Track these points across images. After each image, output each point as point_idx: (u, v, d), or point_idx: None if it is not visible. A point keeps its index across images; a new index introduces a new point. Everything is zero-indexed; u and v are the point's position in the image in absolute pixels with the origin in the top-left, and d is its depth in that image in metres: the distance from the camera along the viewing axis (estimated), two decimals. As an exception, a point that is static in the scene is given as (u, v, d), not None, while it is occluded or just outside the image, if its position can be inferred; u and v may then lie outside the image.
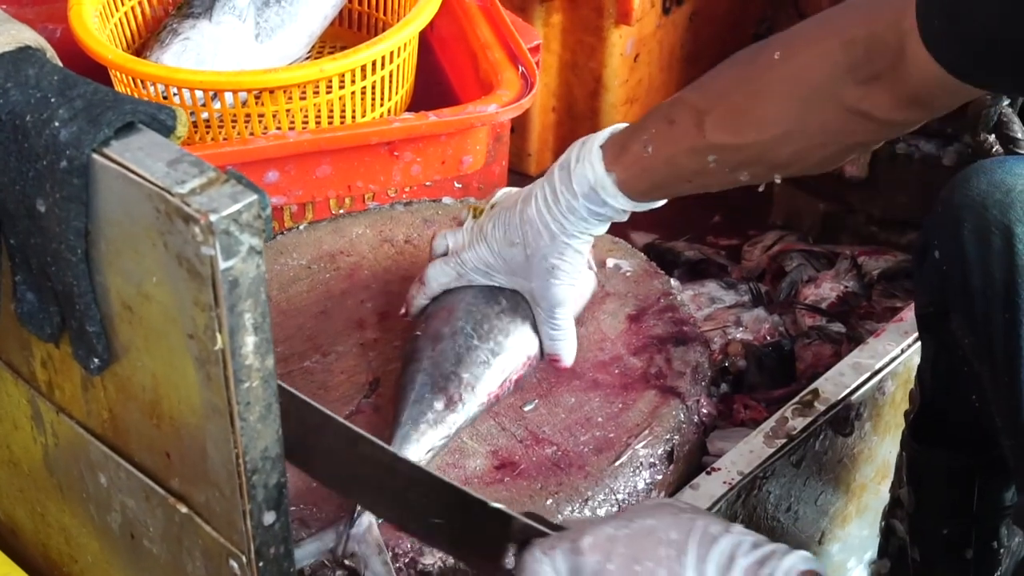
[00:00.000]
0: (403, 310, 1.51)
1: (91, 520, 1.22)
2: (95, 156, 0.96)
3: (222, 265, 0.91)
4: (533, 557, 1.10)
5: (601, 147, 1.36)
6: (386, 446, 1.22)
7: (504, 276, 1.47)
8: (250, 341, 0.95)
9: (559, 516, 1.34)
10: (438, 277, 1.49)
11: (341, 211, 1.81)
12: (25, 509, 1.33)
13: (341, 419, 1.22)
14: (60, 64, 1.05)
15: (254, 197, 0.91)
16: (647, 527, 1.08)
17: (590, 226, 1.40)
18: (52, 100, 0.98)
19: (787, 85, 1.22)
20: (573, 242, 1.40)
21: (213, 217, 0.90)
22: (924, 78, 1.13)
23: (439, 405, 1.40)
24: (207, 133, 1.84)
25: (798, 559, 1.05)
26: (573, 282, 1.45)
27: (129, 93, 1.81)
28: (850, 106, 1.19)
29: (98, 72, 1.80)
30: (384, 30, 1.93)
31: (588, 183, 1.36)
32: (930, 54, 1.11)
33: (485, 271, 1.47)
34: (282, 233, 1.68)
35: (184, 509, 1.08)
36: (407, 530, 1.25)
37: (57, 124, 0.97)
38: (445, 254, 1.50)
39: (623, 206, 1.37)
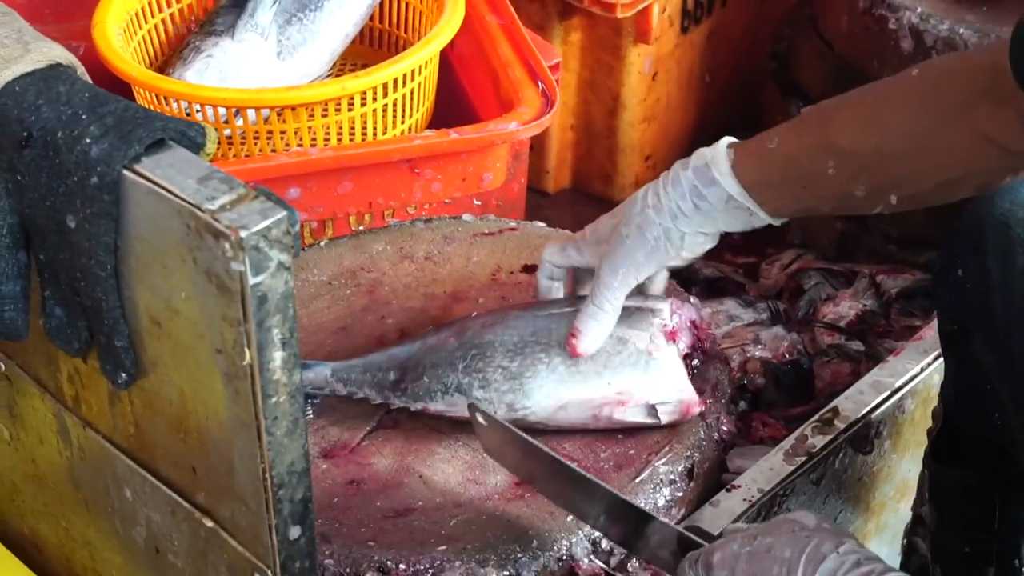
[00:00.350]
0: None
1: (116, 534, 1.22)
2: (125, 172, 0.97)
3: (251, 281, 0.92)
4: (682, 569, 1.20)
5: (732, 140, 1.34)
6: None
7: (592, 246, 1.43)
8: (278, 356, 0.96)
9: (579, 533, 1.34)
10: (550, 255, 1.47)
11: (361, 228, 1.82)
12: (50, 523, 1.34)
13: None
14: (90, 81, 1.06)
15: (283, 213, 0.93)
16: (766, 544, 1.15)
17: (685, 209, 1.33)
18: (83, 117, 1.00)
19: (919, 98, 1.22)
20: (659, 218, 1.34)
21: (243, 233, 0.91)
22: None
23: (392, 376, 1.43)
24: (229, 150, 1.85)
25: None
26: (632, 264, 1.37)
27: (152, 110, 1.82)
28: (978, 128, 1.18)
29: (122, 89, 1.81)
30: (405, 48, 1.94)
31: (703, 158, 1.32)
32: None
33: (580, 241, 1.44)
34: (303, 249, 1.69)
35: (210, 523, 1.09)
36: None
37: (88, 141, 0.98)
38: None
39: (730, 189, 1.30)
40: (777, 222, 1.33)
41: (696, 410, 1.41)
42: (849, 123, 1.25)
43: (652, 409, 1.40)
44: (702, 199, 1.32)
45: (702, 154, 1.32)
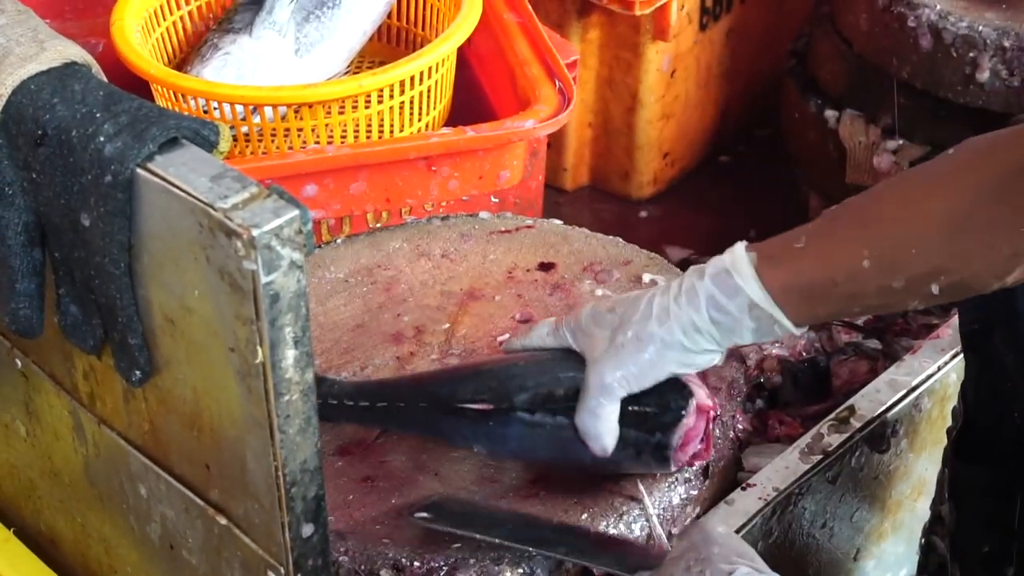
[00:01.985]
0: (501, 339, 1.47)
1: (131, 531, 1.23)
2: (139, 171, 0.97)
3: (263, 279, 0.92)
4: None
5: (748, 244, 1.23)
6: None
7: (583, 337, 1.31)
8: (291, 355, 0.96)
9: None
10: (539, 329, 1.37)
11: (378, 225, 1.82)
12: (66, 519, 1.34)
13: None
14: (105, 80, 1.06)
15: (296, 212, 0.93)
16: None
17: (697, 322, 1.23)
18: (98, 115, 1.00)
19: (962, 176, 1.16)
20: (662, 331, 1.24)
21: (255, 232, 0.91)
22: None
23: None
24: (247, 147, 1.85)
25: None
26: (625, 378, 1.27)
27: (170, 107, 1.83)
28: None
29: (140, 86, 1.82)
30: (423, 46, 1.94)
31: (722, 264, 1.22)
32: None
33: (574, 328, 1.32)
34: (319, 247, 1.69)
35: (223, 521, 1.09)
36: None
37: (102, 139, 0.99)
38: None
39: (755, 296, 1.20)
40: (798, 332, 1.23)
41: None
42: (885, 213, 1.18)
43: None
44: (721, 311, 1.22)
45: (719, 261, 1.22)
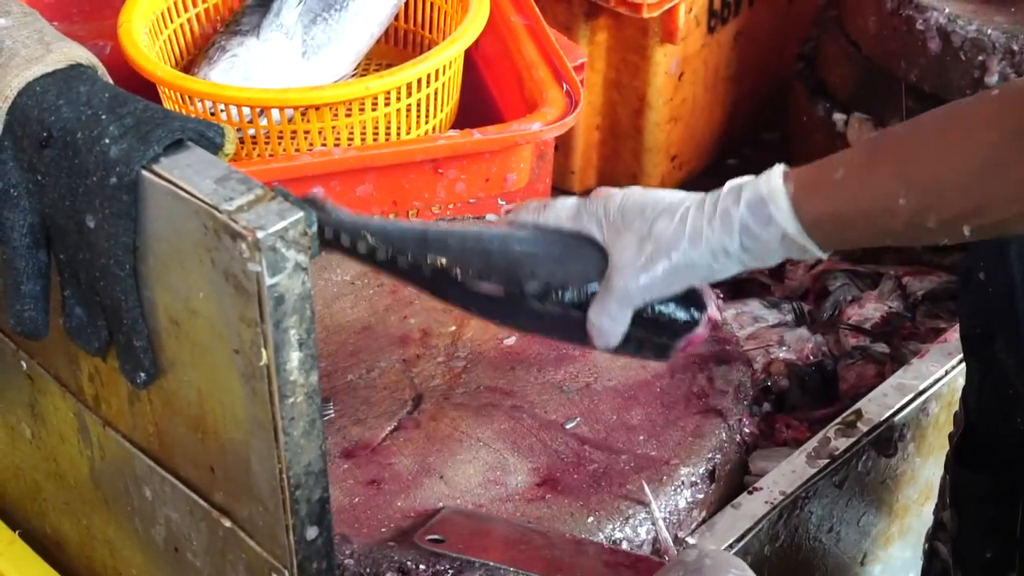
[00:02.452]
0: (508, 208, 1.42)
1: (136, 533, 1.23)
2: (144, 173, 0.97)
3: (268, 281, 0.92)
4: None
5: (787, 168, 1.22)
6: None
7: (607, 230, 1.28)
8: (295, 357, 0.96)
9: (600, 535, 1.34)
10: (560, 206, 1.32)
11: (385, 228, 1.82)
12: (71, 522, 1.34)
13: None
14: (111, 81, 1.06)
15: (300, 214, 0.93)
16: None
17: (728, 247, 1.22)
18: (103, 117, 1.00)
19: (999, 118, 1.14)
20: (693, 250, 1.23)
21: (260, 234, 0.91)
22: None
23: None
24: (253, 149, 1.85)
25: None
26: (652, 289, 1.26)
27: (177, 109, 1.83)
28: None
29: (147, 88, 1.82)
30: (430, 48, 1.94)
31: (759, 192, 1.21)
32: None
33: (599, 217, 1.28)
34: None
35: (228, 523, 1.09)
36: None
37: (107, 141, 0.99)
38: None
39: (788, 227, 1.20)
40: (825, 256, 1.23)
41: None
42: (924, 150, 1.17)
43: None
44: (754, 239, 1.21)
45: (756, 187, 1.21)
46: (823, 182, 1.20)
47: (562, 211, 1.31)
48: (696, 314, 1.30)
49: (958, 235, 1.17)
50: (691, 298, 1.30)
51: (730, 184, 1.24)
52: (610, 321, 1.28)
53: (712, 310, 1.32)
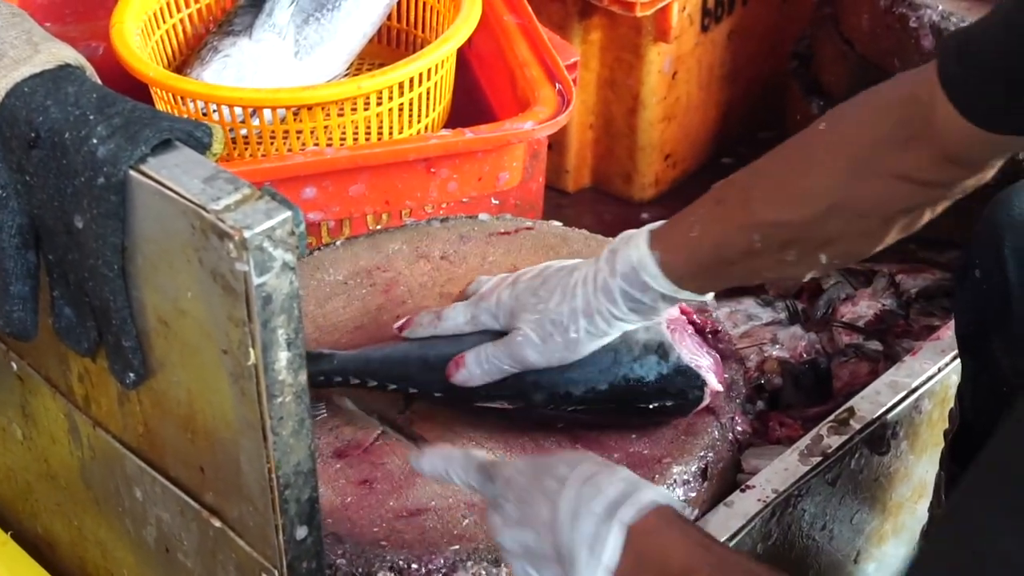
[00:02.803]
0: (400, 324, 1.47)
1: (127, 534, 1.23)
2: (132, 173, 0.97)
3: (256, 281, 0.92)
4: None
5: (651, 231, 1.31)
6: None
7: (505, 319, 1.39)
8: (283, 356, 0.96)
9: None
10: (455, 317, 1.43)
11: (379, 227, 1.82)
12: (63, 522, 1.34)
13: None
14: (100, 82, 1.06)
15: (288, 214, 0.92)
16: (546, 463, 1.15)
17: (616, 314, 1.32)
18: (91, 118, 1.00)
19: (831, 156, 1.21)
20: (589, 323, 1.34)
21: (247, 233, 0.91)
22: (954, 134, 1.14)
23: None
24: (246, 149, 1.85)
25: (656, 495, 1.09)
26: (550, 361, 1.37)
27: (170, 110, 1.83)
28: (892, 170, 1.18)
29: (140, 89, 1.82)
30: (422, 47, 1.94)
31: (630, 262, 1.30)
32: (954, 107, 1.11)
33: (494, 312, 1.40)
34: (319, 249, 1.69)
35: (218, 523, 1.09)
36: None
37: (95, 141, 0.98)
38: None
39: (663, 289, 1.29)
40: (708, 298, 1.34)
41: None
42: (768, 196, 1.24)
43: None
44: (636, 302, 1.32)
45: (627, 258, 1.30)
46: (683, 241, 1.29)
47: (458, 318, 1.42)
48: (698, 392, 1.42)
49: (820, 265, 1.27)
50: (688, 377, 1.41)
51: (606, 252, 1.33)
52: (486, 374, 1.38)
53: (713, 383, 1.42)
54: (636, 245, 1.31)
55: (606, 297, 1.32)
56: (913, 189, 1.19)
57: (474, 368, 1.38)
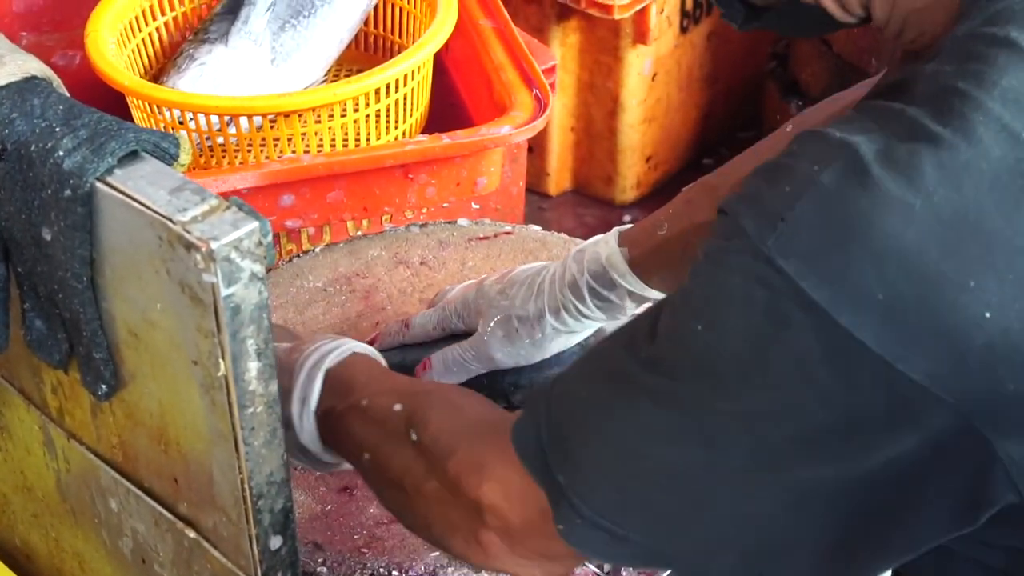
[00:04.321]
0: (370, 338, 1.48)
1: (103, 545, 1.22)
2: (98, 185, 0.97)
3: (223, 292, 0.92)
4: None
5: (620, 231, 1.33)
6: None
7: (472, 319, 1.41)
8: (253, 367, 0.96)
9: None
10: (423, 323, 1.44)
11: (358, 233, 1.82)
12: (39, 534, 1.34)
13: None
14: (67, 94, 1.06)
15: (255, 224, 0.92)
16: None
17: (584, 311, 1.33)
18: (57, 129, 0.99)
19: None
20: (556, 320, 1.35)
21: (214, 244, 0.90)
22: None
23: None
24: (223, 157, 1.85)
25: (354, 345, 1.17)
26: (517, 360, 1.38)
27: (146, 119, 1.83)
28: None
29: (116, 98, 1.82)
30: (399, 53, 1.94)
31: (599, 259, 1.32)
32: None
33: (461, 314, 1.41)
34: (298, 256, 1.69)
35: (192, 534, 1.09)
36: None
37: (61, 153, 0.98)
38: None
39: (631, 286, 1.31)
40: None
41: None
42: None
43: None
44: (604, 300, 1.33)
45: (596, 256, 1.32)
46: (651, 240, 1.30)
47: (427, 324, 1.44)
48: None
49: None
50: None
51: (574, 250, 1.35)
52: (453, 376, 1.39)
53: None
54: (605, 242, 1.32)
55: (574, 294, 1.33)
56: None
57: (440, 370, 1.38)
